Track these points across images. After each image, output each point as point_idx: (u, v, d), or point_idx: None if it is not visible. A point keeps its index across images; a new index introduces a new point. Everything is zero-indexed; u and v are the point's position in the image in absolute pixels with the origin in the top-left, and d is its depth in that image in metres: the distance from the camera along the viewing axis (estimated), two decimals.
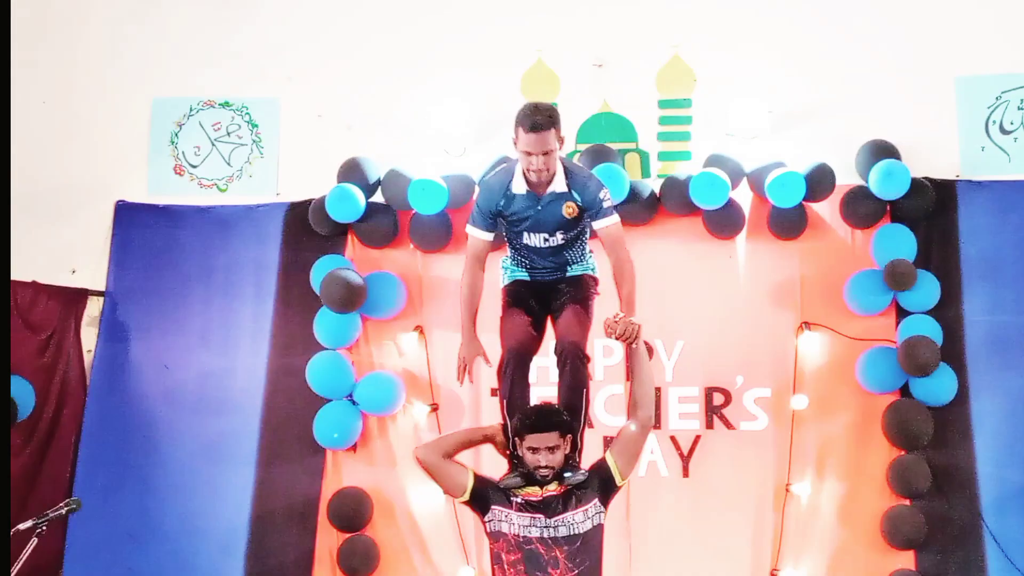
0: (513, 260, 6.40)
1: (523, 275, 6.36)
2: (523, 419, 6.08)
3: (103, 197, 8.76)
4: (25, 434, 8.05)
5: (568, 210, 6.10)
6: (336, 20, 8.84)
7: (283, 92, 8.85)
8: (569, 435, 6.10)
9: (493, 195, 6.17)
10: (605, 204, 6.09)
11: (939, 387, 7.85)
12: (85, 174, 8.82)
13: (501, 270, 6.44)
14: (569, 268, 6.34)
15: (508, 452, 6.23)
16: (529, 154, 5.93)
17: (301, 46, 8.84)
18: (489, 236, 6.25)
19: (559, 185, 6.08)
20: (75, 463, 8.30)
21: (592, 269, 6.38)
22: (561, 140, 6.01)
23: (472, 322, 6.23)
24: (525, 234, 6.20)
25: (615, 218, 6.15)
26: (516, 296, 6.33)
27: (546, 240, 6.20)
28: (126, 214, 8.74)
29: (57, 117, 8.89)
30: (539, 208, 6.10)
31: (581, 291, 6.30)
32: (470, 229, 6.28)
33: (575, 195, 6.08)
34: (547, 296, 6.33)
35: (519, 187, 6.10)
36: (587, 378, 6.33)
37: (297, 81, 8.80)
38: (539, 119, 5.87)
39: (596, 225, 6.14)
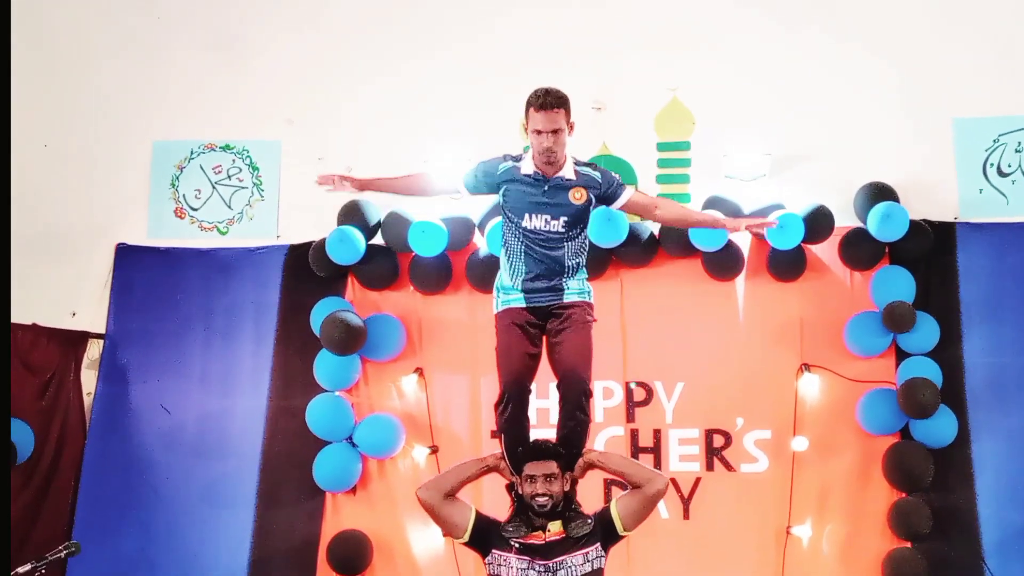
0: (508, 267, 6.32)
1: (517, 298, 6.29)
2: (523, 449, 6.12)
3: (104, 239, 8.78)
4: (24, 476, 8.03)
5: (575, 195, 6.21)
6: (336, 63, 8.90)
7: (284, 135, 8.89)
8: (568, 472, 6.13)
9: (500, 163, 6.31)
10: (618, 185, 6.32)
11: (939, 429, 7.83)
12: (86, 217, 8.84)
13: (494, 293, 6.41)
14: (566, 285, 6.27)
15: (510, 481, 6.24)
16: (539, 133, 6.09)
17: (301, 89, 8.88)
18: (461, 189, 6.41)
19: (568, 173, 6.22)
20: (74, 505, 8.28)
21: (588, 294, 6.36)
22: (571, 126, 6.16)
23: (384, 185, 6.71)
24: (527, 216, 6.21)
25: (632, 188, 6.39)
26: (511, 325, 6.29)
27: (547, 223, 6.20)
28: (127, 256, 8.76)
29: (58, 160, 8.93)
30: (545, 189, 6.18)
31: (579, 320, 6.27)
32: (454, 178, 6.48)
33: (582, 184, 6.22)
34: (543, 321, 6.30)
35: (527, 168, 6.23)
36: (589, 416, 6.35)
37: (298, 124, 8.84)
38: (549, 99, 6.06)
39: (620, 202, 6.34)
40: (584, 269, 6.38)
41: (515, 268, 6.28)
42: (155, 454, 8.36)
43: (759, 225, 6.97)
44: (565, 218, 6.20)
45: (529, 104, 6.12)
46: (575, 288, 6.30)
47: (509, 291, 6.31)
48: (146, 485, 8.29)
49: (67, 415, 8.40)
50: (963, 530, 7.79)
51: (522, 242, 6.23)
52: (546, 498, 6.00)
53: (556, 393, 6.34)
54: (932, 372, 7.86)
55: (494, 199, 6.67)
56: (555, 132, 6.08)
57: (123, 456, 8.36)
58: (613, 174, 6.35)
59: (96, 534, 8.02)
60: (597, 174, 6.30)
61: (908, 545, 7.77)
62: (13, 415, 7.86)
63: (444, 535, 6.31)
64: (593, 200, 6.28)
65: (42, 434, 8.15)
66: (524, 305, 6.27)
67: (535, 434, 6.61)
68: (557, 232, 6.20)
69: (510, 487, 6.30)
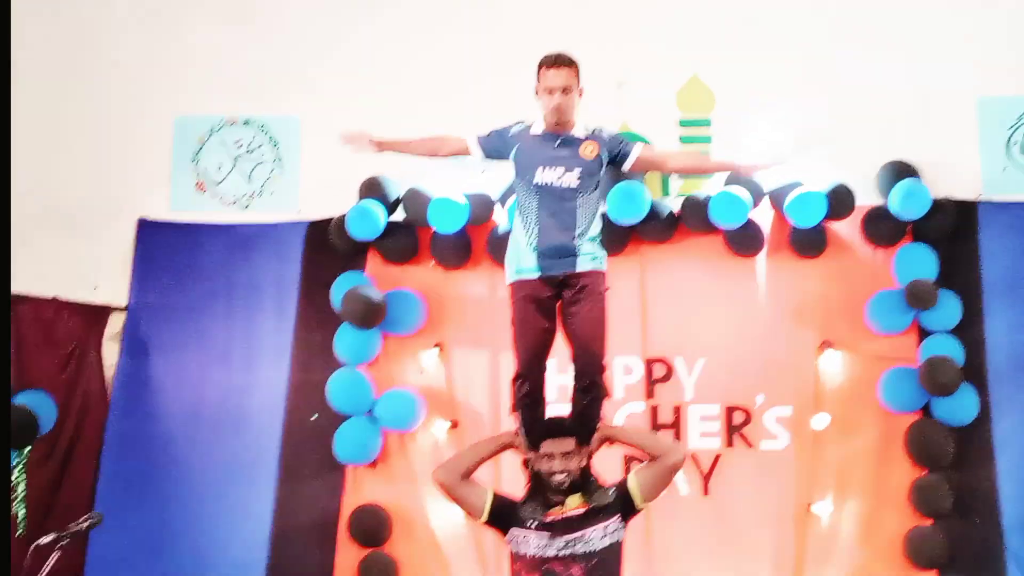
0: (523, 227, 6.36)
1: (531, 268, 6.31)
2: (539, 426, 6.13)
3: (125, 214, 8.79)
4: (46, 448, 8.06)
5: (586, 150, 6.37)
6: (356, 38, 8.88)
7: (304, 110, 8.89)
8: (585, 446, 6.14)
9: (512, 126, 6.52)
10: (626, 143, 6.52)
11: (961, 407, 7.81)
12: (108, 191, 8.86)
13: (506, 262, 6.47)
14: (579, 248, 6.29)
15: (526, 457, 6.26)
16: (550, 91, 6.29)
17: (321, 63, 8.87)
18: (475, 150, 6.61)
19: (579, 131, 6.40)
20: (96, 477, 8.30)
21: (601, 261, 6.39)
22: (580, 90, 6.37)
23: (402, 146, 6.87)
24: (539, 170, 6.31)
25: (641, 144, 6.56)
26: (524, 299, 6.33)
27: (561, 177, 6.28)
28: (148, 231, 8.77)
29: (81, 135, 8.94)
30: (555, 146, 6.34)
31: (593, 292, 6.30)
32: (468, 138, 6.65)
33: (592, 139, 6.42)
34: (557, 291, 6.32)
35: (537, 129, 6.41)
36: (604, 390, 6.37)
37: (317, 98, 8.82)
38: (560, 58, 6.34)
39: (631, 158, 6.49)
40: (599, 235, 6.40)
41: (529, 227, 6.33)
42: (176, 427, 8.38)
43: (770, 164, 6.96)
44: (579, 170, 6.30)
45: (540, 65, 6.36)
46: (589, 253, 6.31)
47: (523, 257, 6.32)
48: (167, 457, 8.32)
49: (89, 387, 8.42)
50: (984, 508, 7.77)
51: (535, 197, 6.30)
52: (564, 475, 6.03)
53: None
54: (954, 350, 7.85)
55: (513, 179, 6.70)
56: (565, 90, 6.26)
57: (144, 428, 8.38)
58: (618, 135, 6.55)
59: (117, 506, 8.02)
60: (605, 134, 6.47)
61: (929, 523, 7.77)
62: (35, 387, 7.92)
63: (465, 515, 6.32)
64: (604, 159, 6.40)
65: (64, 406, 8.17)
66: (537, 276, 6.28)
67: (555, 410, 6.64)
68: (571, 186, 6.27)
69: (527, 463, 6.32)
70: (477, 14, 8.78)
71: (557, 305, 6.37)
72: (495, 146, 6.54)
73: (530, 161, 6.34)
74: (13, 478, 7.69)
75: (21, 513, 7.72)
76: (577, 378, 6.36)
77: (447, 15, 8.80)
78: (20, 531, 7.67)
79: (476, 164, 8.10)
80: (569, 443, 6.03)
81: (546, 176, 6.29)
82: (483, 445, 6.50)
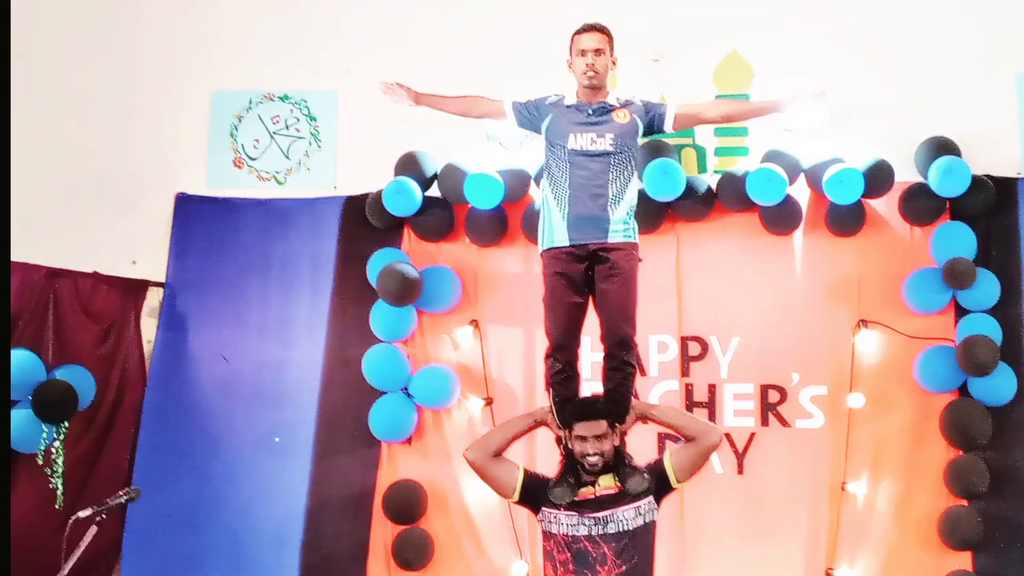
0: (553, 195, 6.36)
1: (562, 234, 6.28)
2: (572, 408, 6.12)
3: (163, 189, 8.84)
4: (85, 422, 8.13)
5: (619, 115, 6.38)
6: (394, 12, 8.87)
7: (341, 85, 8.89)
8: (619, 426, 6.14)
9: (548, 97, 6.53)
10: (659, 105, 6.53)
11: (998, 387, 7.74)
12: (145, 166, 8.91)
13: (539, 231, 6.45)
14: (611, 214, 6.26)
15: (559, 435, 6.27)
16: (584, 53, 6.36)
17: (359, 38, 8.88)
18: (509, 114, 6.61)
19: (611, 100, 6.42)
20: (134, 451, 8.39)
21: (633, 232, 6.36)
22: (614, 61, 6.48)
23: (438, 103, 6.86)
24: (572, 136, 6.33)
25: (675, 104, 6.56)
26: (555, 275, 6.31)
27: (594, 142, 6.31)
28: (186, 206, 8.81)
29: (119, 110, 8.98)
30: (589, 113, 6.35)
31: (625, 267, 6.27)
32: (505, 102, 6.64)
33: (625, 106, 6.44)
34: (588, 263, 6.30)
35: (571, 100, 6.45)
36: (636, 367, 6.36)
37: (355, 74, 8.81)
38: (593, 24, 6.44)
39: (669, 119, 6.50)
40: (633, 206, 6.37)
41: (560, 197, 6.31)
42: (213, 402, 8.46)
43: (813, 97, 6.83)
44: (611, 135, 6.30)
45: (574, 34, 6.44)
46: (620, 220, 6.27)
47: (555, 228, 6.31)
48: (205, 432, 8.40)
49: (127, 362, 8.49)
50: (1020, 489, 7.72)
51: (567, 165, 6.29)
52: (597, 457, 6.02)
53: None
54: (992, 329, 7.77)
55: (545, 152, 6.68)
56: (598, 52, 6.34)
57: (182, 403, 8.46)
58: (652, 100, 6.55)
59: (155, 480, 8.14)
60: (638, 100, 6.49)
61: (964, 503, 7.72)
62: (74, 362, 7.99)
63: (497, 494, 6.34)
64: (639, 124, 6.39)
65: (103, 380, 8.23)
66: (568, 244, 6.26)
67: (589, 388, 6.63)
68: (604, 150, 6.28)
69: (560, 440, 6.33)
70: None
71: (589, 279, 6.34)
72: (530, 114, 6.53)
73: (563, 129, 6.34)
74: (53, 452, 7.76)
75: (60, 487, 7.79)
76: (607, 357, 6.36)
77: None
78: (59, 504, 7.76)
79: (507, 138, 8.18)
80: (602, 426, 6.01)
81: (579, 141, 6.29)
82: (515, 423, 6.48)
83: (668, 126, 6.50)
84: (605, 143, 6.27)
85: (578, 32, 6.42)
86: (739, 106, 7.12)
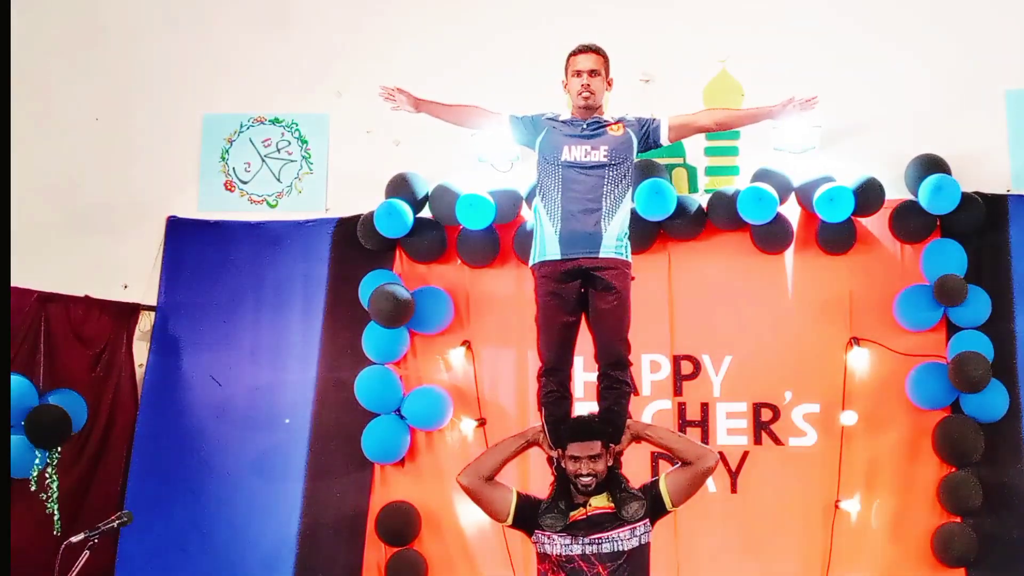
0: (545, 209, 6.33)
1: (554, 248, 6.25)
2: (566, 427, 6.11)
3: (155, 213, 8.84)
4: (77, 447, 8.11)
5: (613, 129, 6.39)
6: (383, 36, 8.90)
7: (332, 108, 8.91)
8: (612, 446, 6.12)
9: (543, 113, 6.55)
10: (652, 119, 6.51)
11: (990, 403, 7.77)
12: (137, 190, 8.91)
13: (531, 248, 6.42)
14: (603, 230, 6.23)
15: (550, 455, 6.25)
16: (579, 73, 6.40)
17: (350, 62, 8.89)
18: (505, 123, 6.61)
19: (605, 117, 6.46)
20: (126, 476, 8.36)
21: (626, 249, 6.33)
22: (610, 82, 6.51)
23: (436, 110, 6.89)
24: (565, 148, 6.34)
25: (667, 115, 6.55)
26: (547, 295, 6.29)
27: (588, 154, 6.31)
28: (177, 230, 8.81)
29: (110, 134, 8.99)
30: (583, 127, 6.37)
31: (618, 287, 6.24)
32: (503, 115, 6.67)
33: (619, 121, 6.43)
34: (579, 281, 6.27)
35: (565, 115, 6.48)
36: (630, 386, 6.35)
37: (346, 97, 8.84)
38: (589, 45, 6.49)
39: (663, 131, 6.48)
40: (626, 222, 6.34)
41: (552, 212, 6.29)
42: (206, 425, 8.43)
43: (803, 103, 6.81)
44: (606, 147, 6.30)
45: (569, 55, 6.49)
46: (613, 237, 6.24)
47: (546, 243, 6.28)
48: (197, 456, 8.37)
49: (119, 386, 8.47)
50: (1013, 505, 7.74)
51: (559, 176, 6.30)
52: (590, 478, 5.98)
53: None
54: (983, 346, 7.79)
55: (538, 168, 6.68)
56: (593, 73, 6.39)
57: (174, 427, 8.44)
58: (644, 115, 6.54)
59: (148, 504, 8.09)
60: (631, 116, 6.49)
61: (958, 520, 7.74)
62: (66, 386, 7.98)
63: (490, 518, 6.32)
64: (634, 138, 6.39)
65: (94, 405, 8.23)
66: (559, 257, 6.23)
67: (583, 407, 6.62)
68: (599, 161, 6.28)
69: (552, 461, 6.31)
70: (504, 13, 8.80)
71: (582, 297, 6.33)
72: (526, 128, 6.54)
73: (557, 142, 6.35)
74: (47, 478, 7.74)
75: (56, 512, 7.77)
76: (602, 376, 6.34)
77: (475, 14, 8.83)
78: (56, 530, 7.73)
79: (498, 159, 8.18)
80: (595, 446, 5.98)
81: (573, 153, 6.29)
82: (507, 444, 6.42)
83: (664, 139, 6.48)
84: (599, 155, 6.27)
85: (573, 53, 6.46)
86: (732, 112, 7.11)
